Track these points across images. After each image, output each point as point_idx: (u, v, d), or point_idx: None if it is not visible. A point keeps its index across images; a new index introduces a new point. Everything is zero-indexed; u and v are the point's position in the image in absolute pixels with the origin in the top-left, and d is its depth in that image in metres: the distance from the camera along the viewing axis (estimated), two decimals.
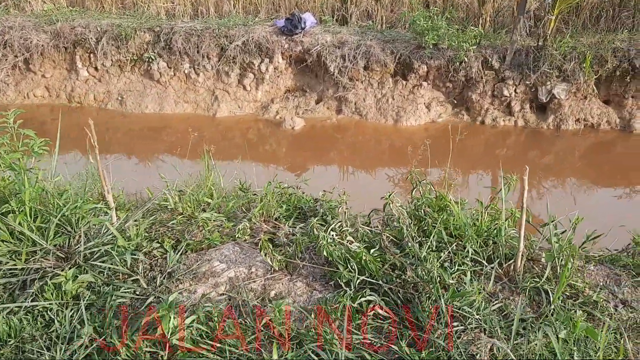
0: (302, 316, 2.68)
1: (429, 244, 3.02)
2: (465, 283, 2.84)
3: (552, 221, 3.23)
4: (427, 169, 5.28)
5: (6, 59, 8.98)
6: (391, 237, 3.09)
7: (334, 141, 8.08)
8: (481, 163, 7.63)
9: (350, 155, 7.75)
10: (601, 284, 3.05)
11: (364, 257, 2.77)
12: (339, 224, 3.13)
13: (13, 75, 9.18)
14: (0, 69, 8.98)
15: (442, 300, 2.60)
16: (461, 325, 2.63)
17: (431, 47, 8.17)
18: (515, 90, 8.10)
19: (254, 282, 2.87)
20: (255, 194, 3.95)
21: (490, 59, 8.14)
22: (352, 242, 2.91)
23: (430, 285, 2.68)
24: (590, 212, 6.08)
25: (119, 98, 8.95)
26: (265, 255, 2.81)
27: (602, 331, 2.60)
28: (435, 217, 3.17)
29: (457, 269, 2.92)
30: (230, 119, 8.65)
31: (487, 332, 2.64)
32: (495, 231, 3.15)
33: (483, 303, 2.79)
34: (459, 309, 2.68)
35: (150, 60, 8.90)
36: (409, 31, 8.88)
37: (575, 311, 2.76)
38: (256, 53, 8.68)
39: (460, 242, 3.11)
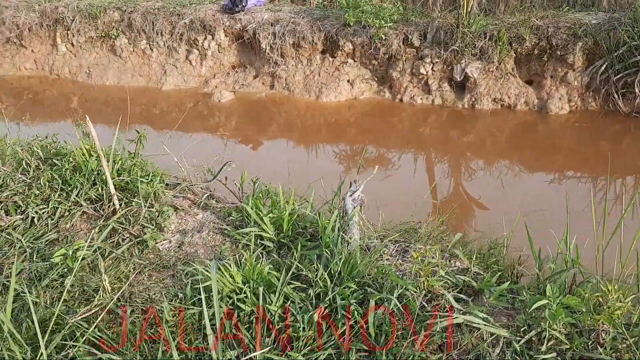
0: None
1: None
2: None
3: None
4: None
5: (3, 35, 10.39)
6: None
7: (254, 114, 8.54)
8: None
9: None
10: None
11: None
12: None
13: (10, 49, 10.59)
14: None
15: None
16: None
17: (352, 24, 8.30)
18: (432, 68, 8.02)
19: None
20: None
21: (411, 37, 8.12)
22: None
23: None
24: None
25: (87, 71, 10.03)
26: None
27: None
28: None
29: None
30: (173, 92, 9.38)
31: None
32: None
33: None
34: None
35: (115, 36, 9.86)
36: None
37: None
38: (201, 30, 9.32)
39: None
